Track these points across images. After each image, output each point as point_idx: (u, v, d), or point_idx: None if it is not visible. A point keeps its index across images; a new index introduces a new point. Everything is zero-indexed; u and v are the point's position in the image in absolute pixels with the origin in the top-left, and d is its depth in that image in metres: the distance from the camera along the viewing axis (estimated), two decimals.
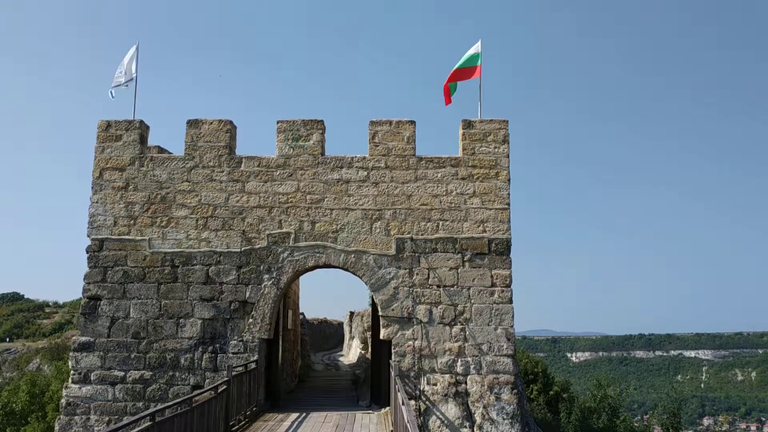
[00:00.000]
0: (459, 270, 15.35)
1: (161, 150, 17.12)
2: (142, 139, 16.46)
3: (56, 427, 15.13)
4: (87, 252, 15.84)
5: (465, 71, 16.15)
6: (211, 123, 16.25)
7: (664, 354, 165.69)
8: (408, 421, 8.30)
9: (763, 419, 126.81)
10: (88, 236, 15.90)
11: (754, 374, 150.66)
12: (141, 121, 16.46)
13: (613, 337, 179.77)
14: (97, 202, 16.03)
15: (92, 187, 16.13)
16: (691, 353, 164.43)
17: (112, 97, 16.88)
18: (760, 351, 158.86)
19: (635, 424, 25.22)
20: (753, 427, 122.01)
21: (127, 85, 16.82)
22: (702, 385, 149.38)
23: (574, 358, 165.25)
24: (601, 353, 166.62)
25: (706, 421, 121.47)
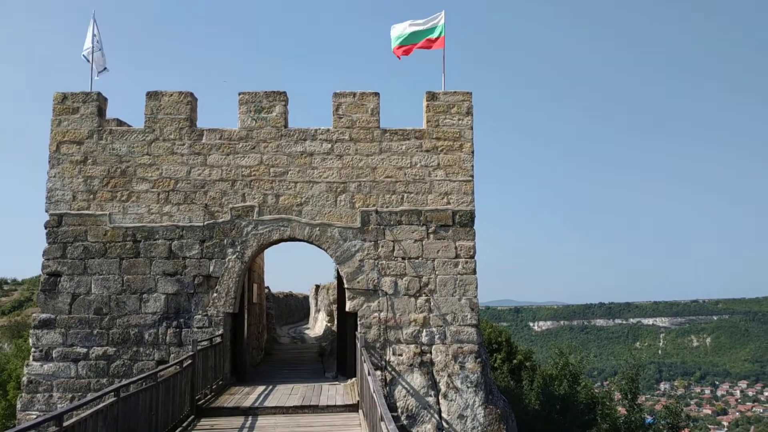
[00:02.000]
0: (424, 242, 15.45)
1: (120, 123, 16.74)
2: (101, 112, 16.07)
3: (18, 405, 14.91)
4: (45, 228, 15.50)
5: (426, 41, 16.07)
6: (171, 95, 15.93)
7: (624, 322, 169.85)
8: (374, 391, 8.40)
9: (717, 383, 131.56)
10: (47, 211, 15.55)
11: (708, 340, 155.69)
12: (98, 93, 16.05)
13: (573, 306, 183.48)
14: (54, 177, 15.65)
15: (49, 161, 15.73)
16: (649, 321, 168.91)
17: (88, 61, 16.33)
18: (715, 318, 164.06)
19: (595, 391, 25.85)
20: (707, 391, 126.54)
21: (87, 59, 16.33)
22: (659, 352, 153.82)
23: (536, 327, 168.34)
24: (562, 322, 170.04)
25: (662, 386, 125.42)
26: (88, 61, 16.31)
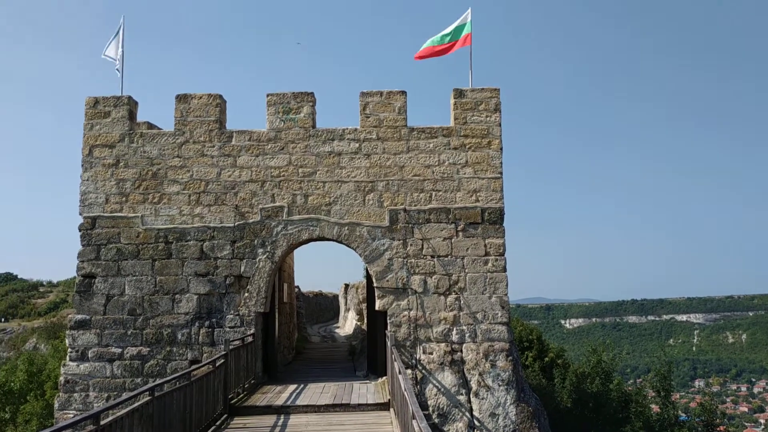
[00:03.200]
0: (453, 240, 15.40)
1: (151, 126, 16.98)
2: (131, 116, 16.31)
3: (56, 405, 15.23)
4: (80, 230, 15.78)
5: (453, 44, 16.03)
6: (201, 97, 16.10)
7: (657, 318, 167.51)
8: (405, 390, 8.39)
9: (753, 380, 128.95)
10: (80, 214, 15.84)
11: (744, 336, 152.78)
12: (129, 97, 16.28)
13: (605, 303, 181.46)
14: (87, 180, 15.93)
15: (82, 165, 16.01)
16: (683, 317, 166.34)
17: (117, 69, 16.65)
18: (750, 313, 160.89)
19: (628, 388, 25.53)
20: (743, 388, 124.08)
21: (117, 67, 16.60)
22: (693, 349, 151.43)
23: (567, 325, 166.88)
24: (594, 319, 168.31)
25: (697, 383, 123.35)
26: (116, 63, 16.55)
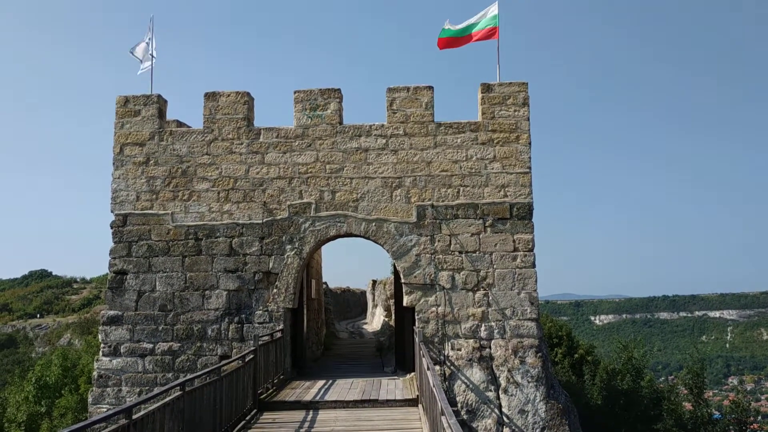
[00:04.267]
0: (481, 235, 15.31)
1: (180, 124, 17.16)
2: (161, 114, 16.50)
3: (89, 399, 15.49)
4: (111, 227, 16.02)
5: (478, 33, 15.90)
6: (229, 95, 16.22)
7: (689, 315, 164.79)
8: (434, 386, 8.36)
9: None
10: (112, 212, 16.07)
11: None
12: (159, 96, 16.47)
13: (636, 299, 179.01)
14: (119, 178, 16.16)
15: (113, 163, 16.25)
16: (716, 314, 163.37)
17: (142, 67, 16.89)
18: None
19: (660, 386, 25.19)
20: None
21: (142, 68, 16.81)
22: (727, 345, 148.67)
23: (597, 321, 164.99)
24: (624, 315, 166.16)
25: (731, 381, 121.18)
26: (141, 63, 16.75)
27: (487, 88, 15.81)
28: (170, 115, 17.11)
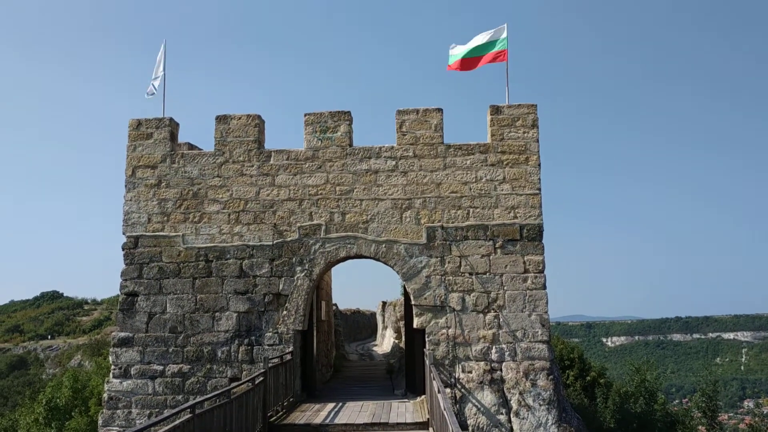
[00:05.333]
0: (491, 257, 15.28)
1: (191, 146, 17.31)
2: (173, 137, 16.66)
3: (99, 421, 15.47)
4: (123, 249, 16.12)
5: (489, 55, 16.02)
6: (240, 118, 16.37)
7: (702, 337, 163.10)
8: (444, 409, 8.31)
9: None
10: (124, 234, 16.18)
11: None
12: (171, 119, 16.65)
13: (648, 320, 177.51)
14: (131, 200, 16.28)
15: (125, 186, 16.39)
16: (730, 335, 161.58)
17: (148, 95, 17.09)
18: None
19: (674, 409, 24.89)
20: None
21: (155, 92, 17.01)
22: (742, 368, 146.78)
23: (609, 343, 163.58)
24: (637, 337, 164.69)
25: (747, 404, 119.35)
26: (154, 89, 16.96)
27: (496, 110, 15.88)
28: (182, 138, 17.29)
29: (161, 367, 15.45)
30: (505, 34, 15.96)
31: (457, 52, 16.38)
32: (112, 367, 15.70)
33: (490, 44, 16.02)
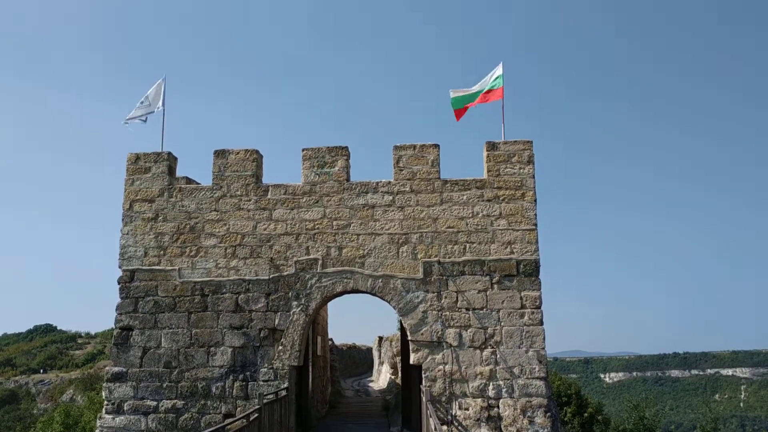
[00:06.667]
0: (488, 292, 15.26)
1: (189, 180, 17.37)
2: (171, 171, 16.73)
3: None
4: (119, 283, 16.06)
5: (485, 95, 16.25)
6: (238, 153, 16.47)
7: (701, 373, 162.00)
8: None
9: None
10: (120, 267, 16.14)
11: None
12: (169, 153, 16.74)
13: (646, 356, 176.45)
14: (127, 234, 16.28)
15: (122, 219, 16.40)
16: (729, 371, 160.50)
17: (126, 123, 17.20)
18: None
19: None
20: None
21: (145, 119, 17.12)
22: (741, 405, 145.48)
23: (607, 379, 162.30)
24: (635, 373, 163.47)
25: None
26: (144, 121, 17.08)
27: (492, 146, 16.01)
28: (180, 172, 17.36)
29: (155, 403, 15.27)
30: (500, 72, 16.20)
31: (455, 95, 16.57)
32: (105, 402, 15.52)
33: (489, 83, 16.25)
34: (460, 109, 16.59)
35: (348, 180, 16.16)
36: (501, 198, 15.68)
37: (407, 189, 15.91)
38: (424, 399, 13.74)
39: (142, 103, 17.25)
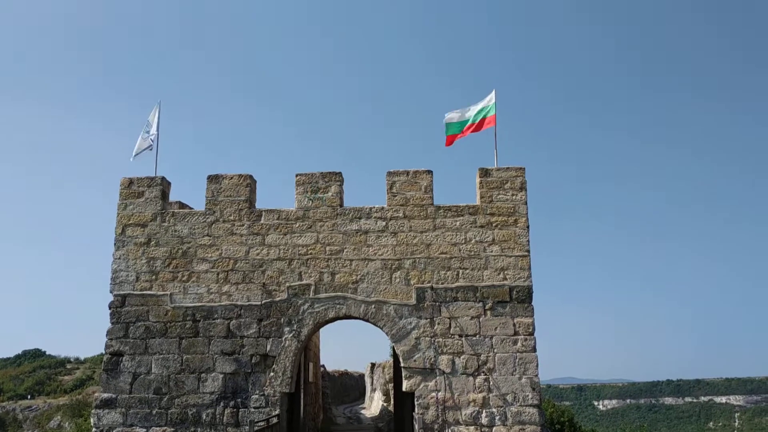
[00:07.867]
0: (481, 319, 15.22)
1: (182, 205, 17.36)
2: (164, 195, 16.72)
3: None
4: (110, 308, 15.95)
5: (478, 123, 16.40)
6: (231, 178, 16.48)
7: (694, 400, 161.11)
8: None
9: None
10: (111, 292, 16.03)
11: None
12: (162, 178, 16.74)
13: (640, 383, 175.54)
14: (119, 258, 16.21)
15: (115, 244, 16.34)
16: (722, 399, 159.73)
17: (133, 159, 17.32)
18: None
19: None
20: None
21: (151, 148, 17.23)
22: None
23: (600, 406, 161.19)
24: (628, 400, 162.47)
25: None
26: (150, 145, 17.17)
27: (485, 172, 16.10)
28: (173, 196, 17.34)
29: (144, 430, 15.07)
30: (493, 100, 16.35)
31: (449, 120, 16.72)
32: (93, 429, 15.30)
33: (481, 111, 16.41)
34: (452, 135, 16.73)
35: (341, 205, 16.18)
36: (494, 224, 15.72)
37: (400, 215, 15.94)
38: (416, 427, 13.63)
39: (147, 132, 17.34)
